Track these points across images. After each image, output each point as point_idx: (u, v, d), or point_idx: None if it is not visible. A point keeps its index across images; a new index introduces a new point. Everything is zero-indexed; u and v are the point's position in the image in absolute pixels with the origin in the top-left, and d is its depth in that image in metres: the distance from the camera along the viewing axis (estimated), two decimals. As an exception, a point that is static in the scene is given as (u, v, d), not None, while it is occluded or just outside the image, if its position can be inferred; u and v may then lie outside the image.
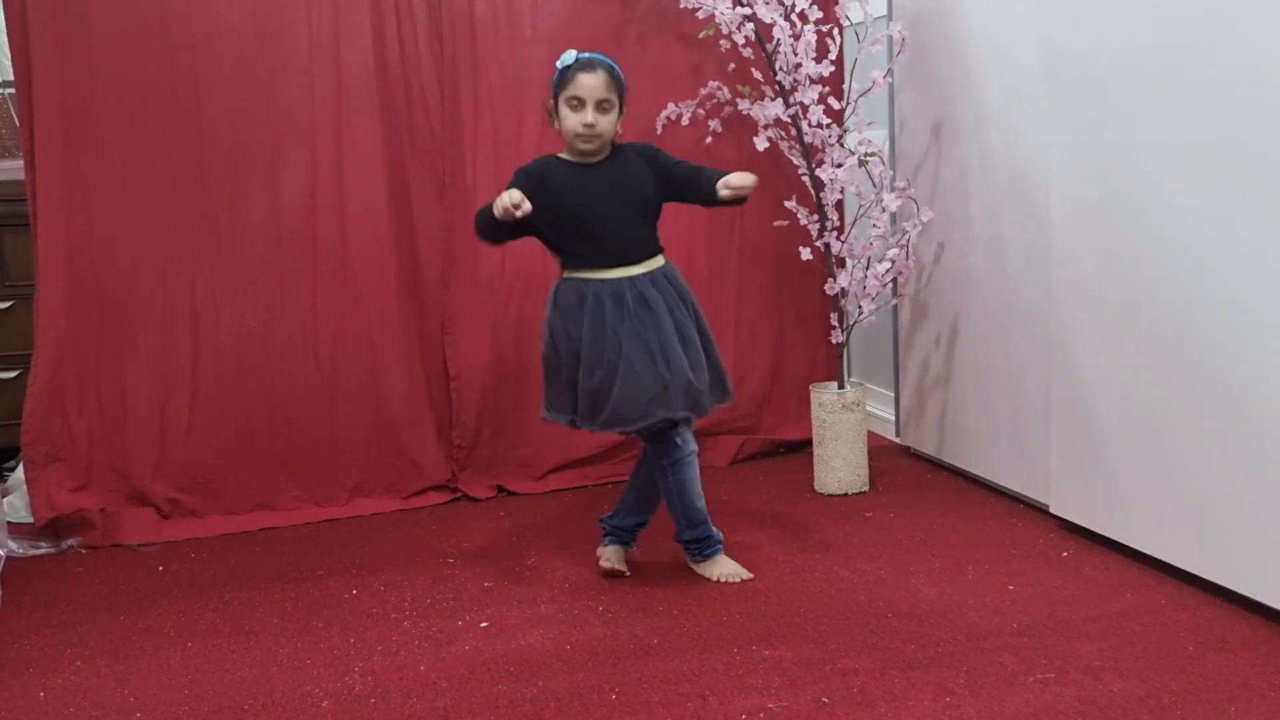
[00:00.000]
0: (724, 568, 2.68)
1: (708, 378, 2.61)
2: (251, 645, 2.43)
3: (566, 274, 2.62)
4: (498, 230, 2.55)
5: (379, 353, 3.33)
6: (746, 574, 2.67)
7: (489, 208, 2.51)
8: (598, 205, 2.57)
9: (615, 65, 2.59)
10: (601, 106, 2.53)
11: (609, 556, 2.73)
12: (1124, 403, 2.62)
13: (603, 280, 2.56)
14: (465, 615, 2.54)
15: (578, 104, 2.52)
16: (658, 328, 2.55)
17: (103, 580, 2.88)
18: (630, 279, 2.57)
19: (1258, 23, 2.17)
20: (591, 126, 2.52)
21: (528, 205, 2.45)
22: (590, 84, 2.51)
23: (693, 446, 2.65)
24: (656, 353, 2.53)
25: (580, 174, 2.59)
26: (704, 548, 2.70)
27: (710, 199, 2.61)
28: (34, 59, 3.03)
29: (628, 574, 2.72)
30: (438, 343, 3.40)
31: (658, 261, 2.64)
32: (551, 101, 2.59)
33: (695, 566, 2.72)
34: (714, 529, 2.72)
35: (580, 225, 2.57)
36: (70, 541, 3.11)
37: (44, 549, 3.10)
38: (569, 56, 2.56)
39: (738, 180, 2.55)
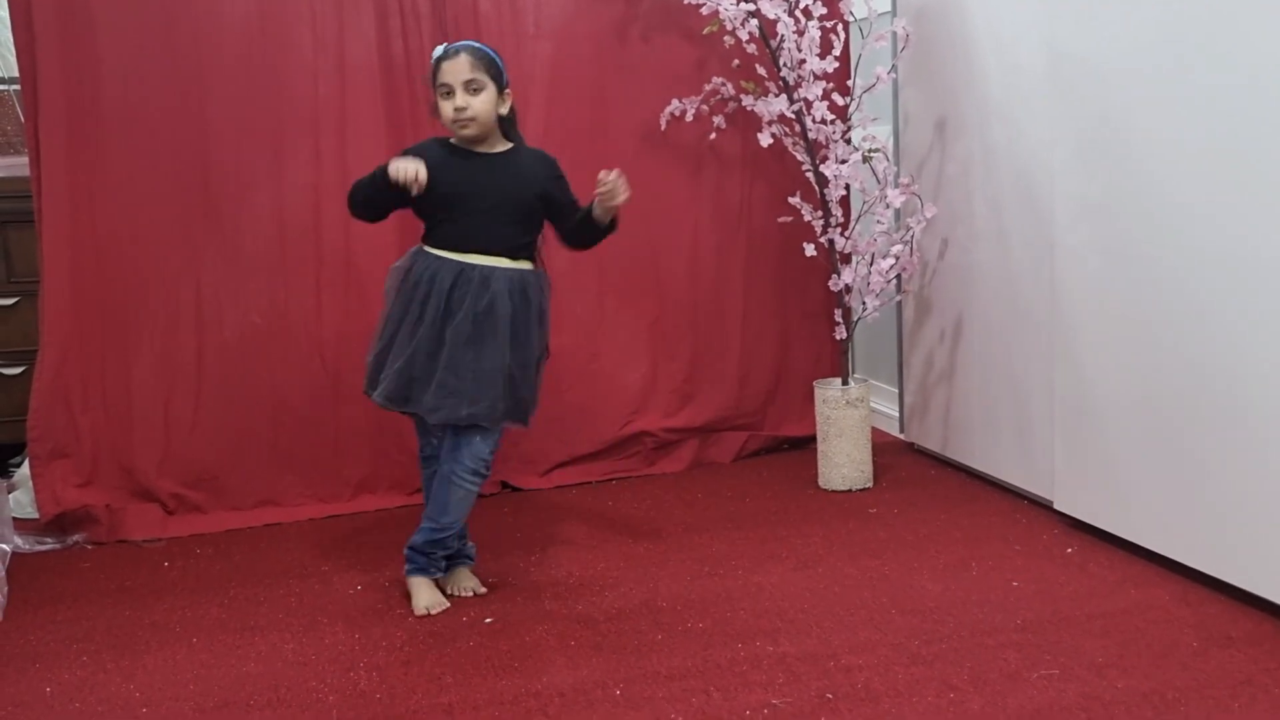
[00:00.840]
0: (444, 592, 2.61)
1: (483, 390, 2.50)
2: (257, 641, 2.44)
3: (425, 246, 2.58)
4: (378, 203, 2.56)
5: (383, 349, 3.33)
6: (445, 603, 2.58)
7: (374, 175, 2.51)
8: (474, 191, 2.53)
9: (483, 47, 2.54)
10: (469, 87, 2.49)
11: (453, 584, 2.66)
12: (1128, 399, 2.62)
13: (439, 257, 2.53)
14: (470, 611, 2.54)
15: (447, 91, 2.51)
16: (466, 323, 2.48)
17: (108, 576, 2.88)
18: (480, 267, 2.51)
19: (1261, 19, 2.17)
20: (463, 109, 2.49)
21: (424, 178, 2.45)
22: (453, 69, 2.49)
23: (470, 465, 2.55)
24: (422, 341, 2.49)
25: (463, 157, 2.56)
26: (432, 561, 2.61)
27: (585, 216, 2.57)
28: (39, 55, 3.04)
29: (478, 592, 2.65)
30: (442, 339, 3.39)
31: (510, 262, 2.54)
32: (432, 100, 2.57)
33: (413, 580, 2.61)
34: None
35: (450, 210, 2.53)
36: (76, 537, 3.12)
37: (50, 545, 3.10)
38: (438, 50, 2.55)
39: (605, 183, 2.49)
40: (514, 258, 2.55)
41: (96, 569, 2.94)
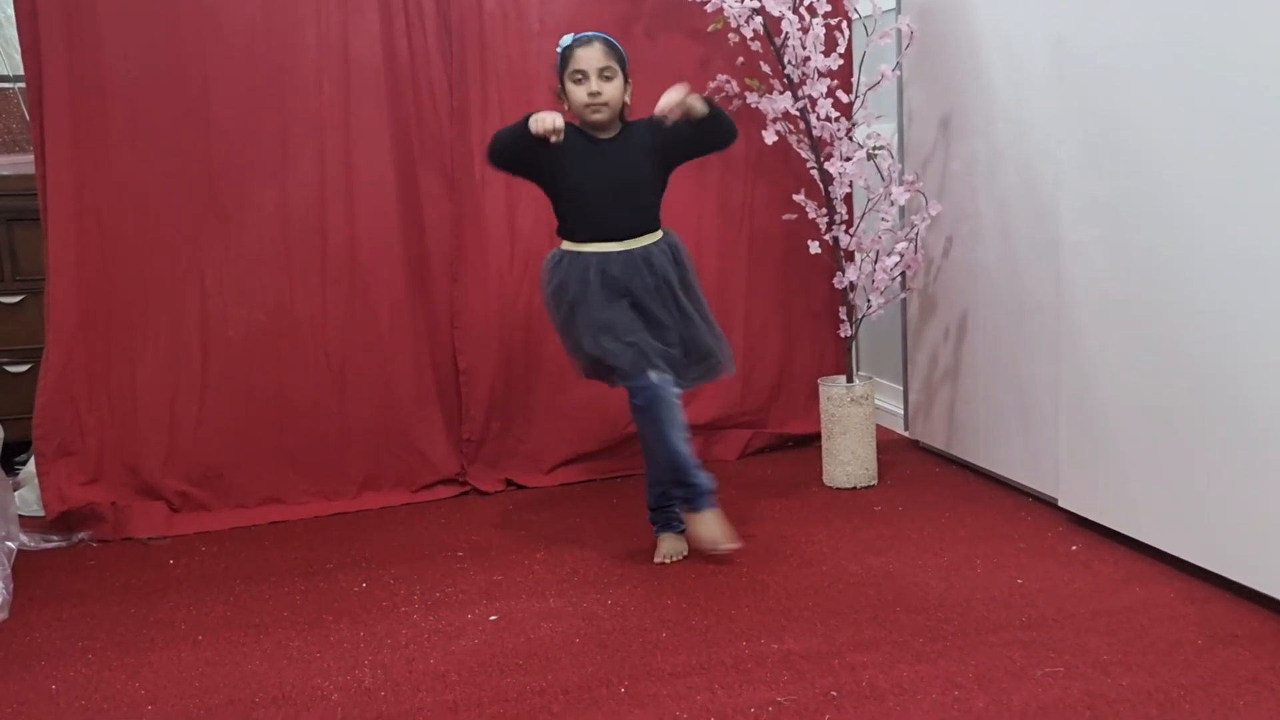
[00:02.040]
0: (711, 529, 2.71)
1: (680, 352, 2.71)
2: (261, 638, 2.44)
3: (565, 245, 2.73)
4: (517, 151, 2.65)
5: (388, 347, 3.34)
6: (734, 542, 2.72)
7: (518, 124, 2.60)
8: (591, 178, 2.66)
9: (612, 38, 2.68)
10: (604, 74, 2.63)
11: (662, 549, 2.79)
12: (1133, 396, 2.61)
13: (594, 254, 2.67)
14: (474, 608, 2.54)
15: (581, 77, 2.63)
16: (627, 298, 2.66)
17: (114, 573, 2.89)
18: (624, 252, 2.67)
19: (1268, 17, 2.17)
20: (597, 94, 2.62)
21: (562, 129, 2.57)
22: (589, 56, 2.62)
23: (650, 389, 2.64)
24: (617, 320, 2.64)
25: (589, 143, 2.69)
26: (690, 496, 2.70)
27: (681, 132, 2.69)
28: (44, 54, 3.04)
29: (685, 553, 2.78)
30: (447, 337, 3.40)
31: (654, 236, 2.73)
32: (559, 85, 2.69)
33: (686, 520, 2.75)
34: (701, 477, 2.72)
35: (585, 198, 2.68)
36: (81, 535, 3.13)
37: (55, 542, 3.11)
38: (566, 38, 2.67)
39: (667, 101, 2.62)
40: (656, 230, 2.73)
41: (102, 567, 2.94)
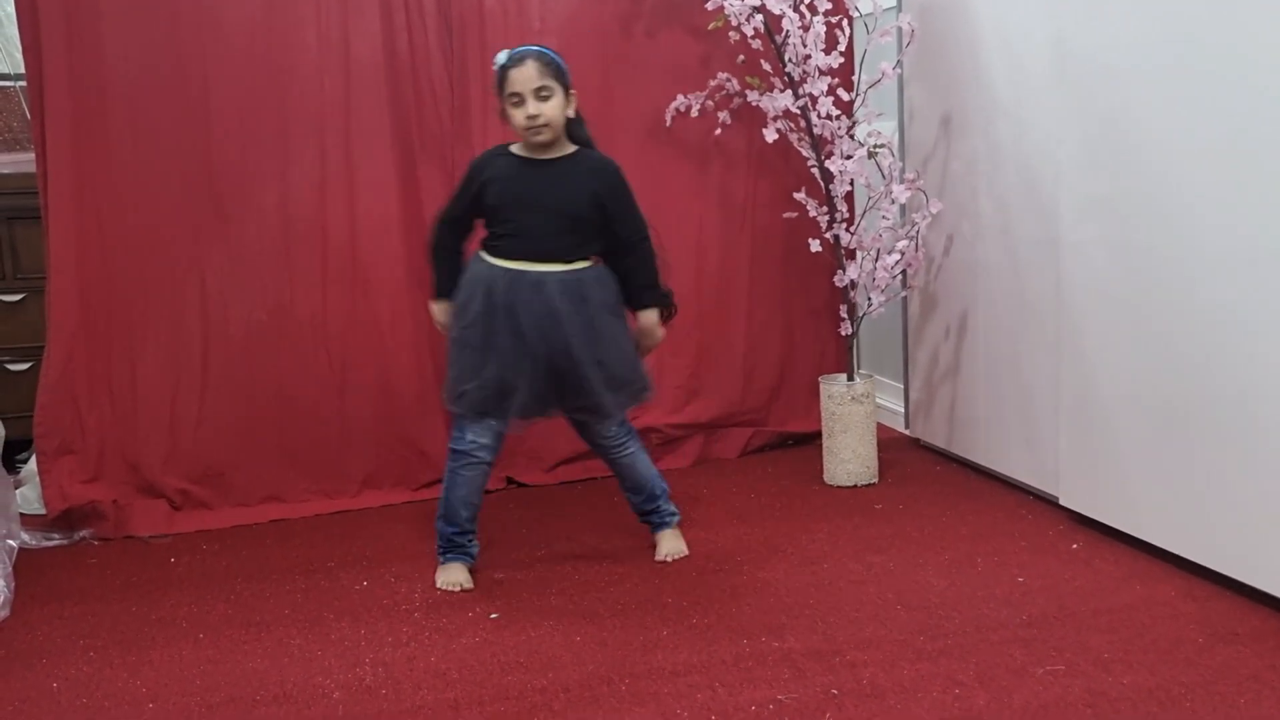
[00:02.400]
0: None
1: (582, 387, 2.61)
2: (263, 636, 2.44)
3: (482, 254, 2.65)
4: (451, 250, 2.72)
5: (389, 345, 3.34)
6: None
7: (434, 274, 2.72)
8: (519, 203, 2.59)
9: (547, 51, 2.58)
10: (540, 94, 2.53)
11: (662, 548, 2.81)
12: (1133, 394, 2.61)
13: (498, 268, 2.59)
14: (475, 607, 2.55)
15: (517, 100, 2.54)
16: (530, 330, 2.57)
17: (115, 572, 2.89)
18: (538, 274, 2.57)
19: (1268, 15, 2.17)
20: (535, 117, 2.54)
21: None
22: (522, 77, 2.53)
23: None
24: (504, 352, 2.56)
25: (523, 165, 2.62)
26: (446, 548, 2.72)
27: (630, 286, 2.69)
28: (44, 52, 3.04)
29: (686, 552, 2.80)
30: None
31: (565, 265, 2.60)
32: (501, 107, 2.61)
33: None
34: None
35: (505, 218, 2.60)
36: (82, 533, 3.13)
37: (56, 540, 3.11)
38: (500, 56, 2.59)
39: (647, 342, 2.73)
40: (568, 261, 2.60)
41: (103, 565, 2.94)
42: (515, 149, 2.64)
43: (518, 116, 2.55)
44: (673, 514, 2.83)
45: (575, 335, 2.56)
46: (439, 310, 2.72)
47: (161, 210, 3.16)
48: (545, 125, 2.55)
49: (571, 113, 2.61)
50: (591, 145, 2.69)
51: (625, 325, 2.69)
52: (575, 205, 2.59)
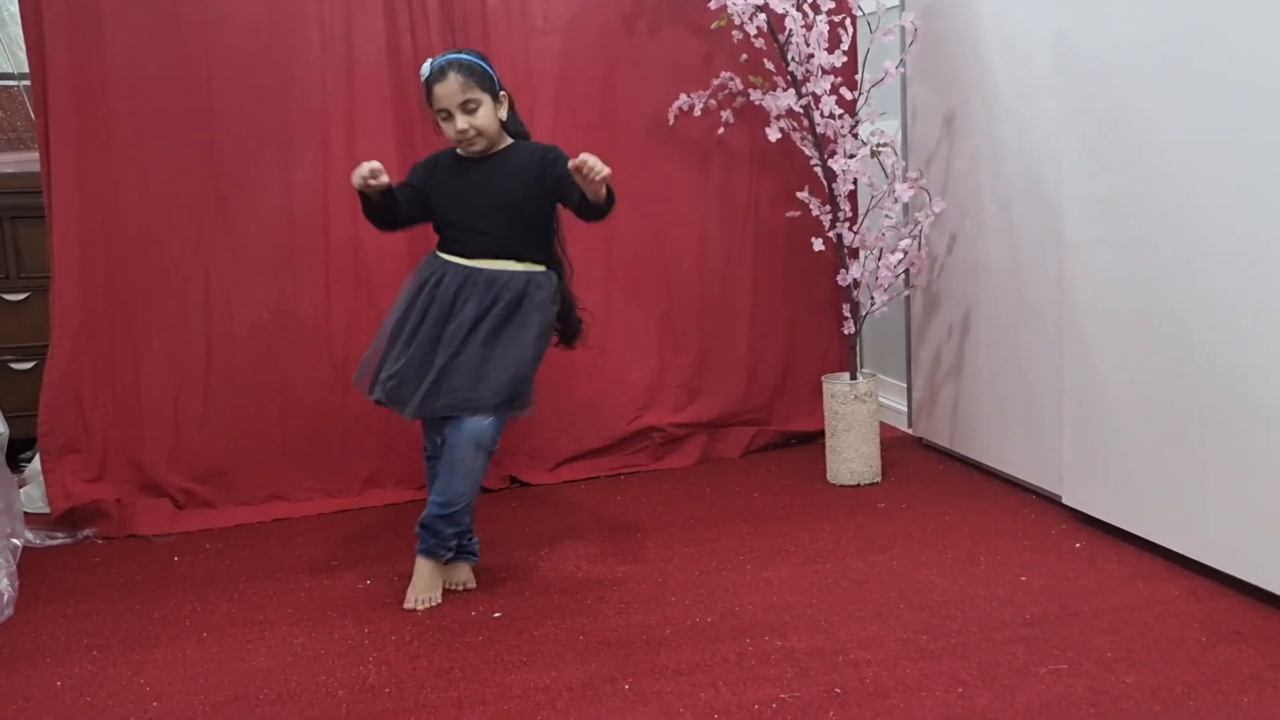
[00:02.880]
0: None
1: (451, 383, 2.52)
2: (266, 635, 2.45)
3: (436, 251, 2.65)
4: (372, 212, 2.60)
5: (392, 344, 3.34)
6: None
7: (361, 200, 2.58)
8: (458, 198, 2.58)
9: (469, 58, 2.54)
10: (466, 107, 2.51)
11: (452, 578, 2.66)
12: (1137, 393, 2.61)
13: (447, 262, 2.59)
14: (478, 605, 2.55)
15: (445, 115, 2.54)
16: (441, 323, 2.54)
17: (118, 570, 2.89)
18: (471, 270, 2.56)
19: (1271, 13, 2.16)
20: (464, 131, 2.53)
21: (384, 178, 2.49)
22: (445, 92, 2.51)
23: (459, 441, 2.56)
24: (421, 345, 2.54)
25: (461, 165, 2.62)
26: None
27: (581, 197, 2.50)
28: (48, 51, 3.04)
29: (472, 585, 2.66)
30: (450, 334, 3.40)
31: (518, 264, 2.57)
32: (432, 119, 2.60)
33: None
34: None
35: (450, 215, 2.60)
36: (86, 532, 3.13)
37: (60, 539, 3.12)
38: (424, 69, 2.56)
39: (579, 168, 2.42)
40: (520, 259, 2.58)
41: (106, 564, 2.95)
42: (459, 150, 2.64)
43: (448, 131, 2.55)
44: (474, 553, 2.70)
45: (485, 328, 2.51)
46: (356, 179, 2.50)
47: (165, 209, 3.16)
48: (478, 135, 2.54)
49: (503, 115, 2.59)
50: (528, 137, 2.69)
51: (542, 342, 2.60)
52: (516, 191, 2.57)
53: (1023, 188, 3.01)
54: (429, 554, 2.58)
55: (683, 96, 3.40)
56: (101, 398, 3.17)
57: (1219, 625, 2.25)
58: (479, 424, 2.52)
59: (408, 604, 2.55)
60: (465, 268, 2.56)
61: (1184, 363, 2.45)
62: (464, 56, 2.54)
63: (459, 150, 2.61)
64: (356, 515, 3.25)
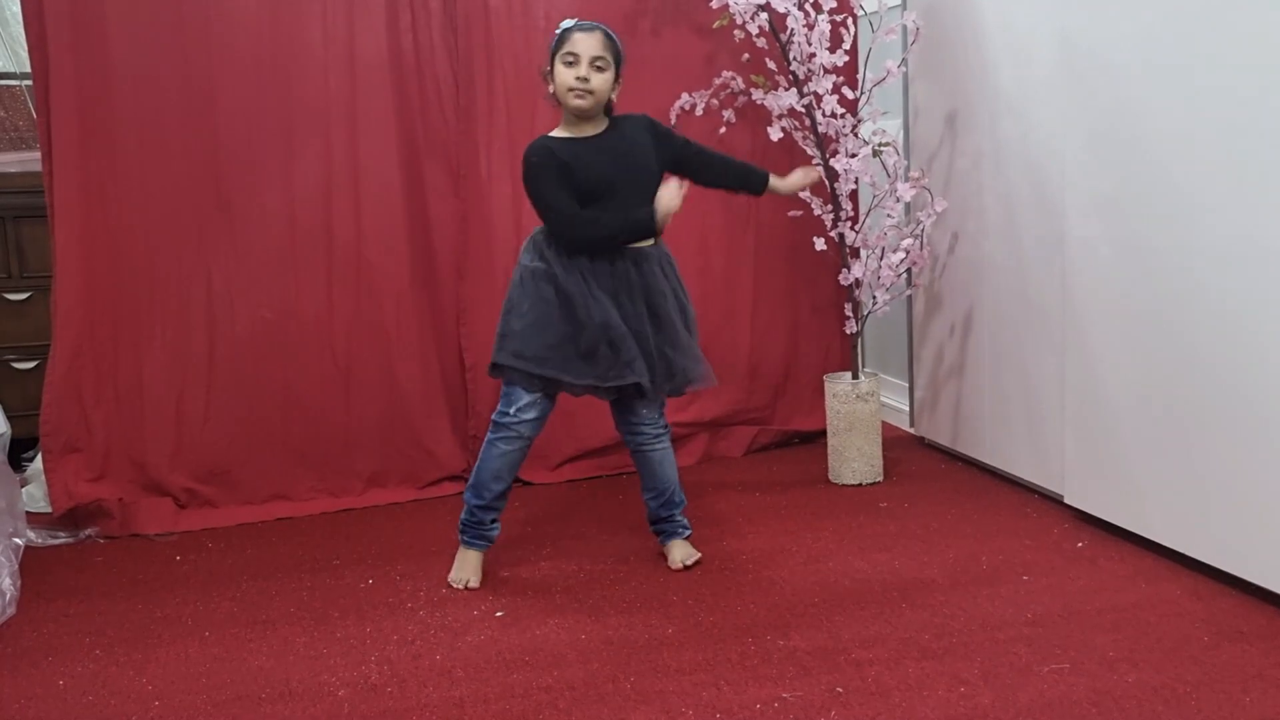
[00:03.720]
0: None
1: (670, 362, 2.64)
2: (268, 634, 2.45)
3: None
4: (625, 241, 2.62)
5: (394, 344, 3.34)
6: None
7: (628, 223, 2.56)
8: (607, 178, 2.57)
9: (614, 35, 2.60)
10: (596, 64, 2.53)
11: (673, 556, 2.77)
12: (1139, 393, 2.61)
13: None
14: (480, 605, 2.55)
15: (573, 59, 2.53)
16: (629, 303, 2.60)
17: (120, 570, 2.90)
18: (637, 251, 2.62)
19: (1274, 13, 2.16)
20: (585, 80, 2.52)
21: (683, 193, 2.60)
22: (586, 41, 2.53)
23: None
24: (597, 316, 2.56)
25: (581, 147, 2.58)
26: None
27: (756, 190, 2.79)
28: (50, 51, 3.04)
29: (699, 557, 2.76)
30: (453, 334, 3.40)
31: (650, 240, 2.65)
32: (547, 66, 2.59)
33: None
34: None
35: (594, 199, 2.58)
36: (88, 531, 3.13)
37: (62, 539, 3.12)
38: (569, 21, 2.60)
39: (800, 181, 2.76)
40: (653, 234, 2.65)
41: (109, 563, 2.95)
42: (558, 134, 2.61)
43: (566, 75, 2.53)
44: (686, 526, 2.80)
45: (673, 309, 2.64)
46: (664, 212, 2.57)
47: (167, 209, 3.16)
48: (590, 93, 2.54)
49: (615, 97, 2.62)
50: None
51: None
52: (649, 164, 2.63)
53: (1025, 187, 3.01)
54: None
55: (685, 96, 3.40)
56: (104, 397, 3.17)
57: (1221, 625, 2.24)
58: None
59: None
60: (632, 250, 2.61)
61: (1186, 362, 2.45)
62: (610, 30, 2.61)
63: (565, 100, 2.55)
64: (359, 514, 3.25)
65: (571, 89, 2.53)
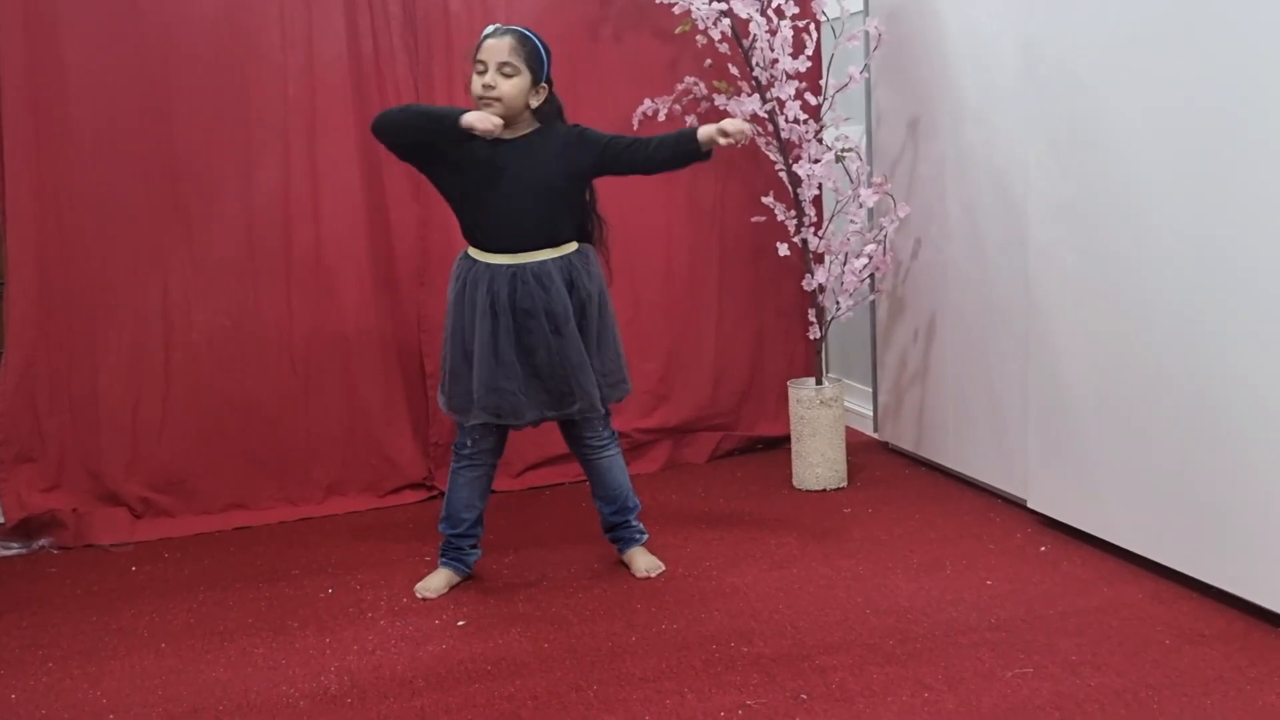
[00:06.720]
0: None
1: (574, 379, 2.58)
2: (226, 646, 2.41)
3: (469, 251, 2.63)
4: (428, 139, 2.55)
5: (354, 351, 3.31)
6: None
7: (441, 113, 2.54)
8: (501, 184, 2.55)
9: (532, 35, 2.56)
10: (503, 70, 2.51)
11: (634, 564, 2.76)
12: (1101, 397, 2.62)
13: (488, 265, 2.57)
14: (442, 614, 2.52)
15: (481, 68, 2.52)
16: (519, 328, 2.55)
17: (75, 581, 2.85)
18: (516, 267, 2.55)
19: (1235, 21, 2.18)
20: (491, 88, 2.50)
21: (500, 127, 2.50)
22: (493, 48, 2.52)
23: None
24: (505, 353, 2.54)
25: (497, 146, 2.55)
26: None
27: (693, 149, 2.54)
28: (3, 53, 3.00)
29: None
30: (414, 340, 3.38)
31: (555, 251, 2.59)
32: (470, 73, 2.58)
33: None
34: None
35: (479, 203, 2.57)
36: (42, 542, 3.09)
37: (15, 550, 3.07)
38: (489, 27, 2.58)
39: (734, 127, 2.49)
40: (557, 244, 2.59)
41: (63, 574, 2.90)
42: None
43: (475, 83, 2.53)
44: (642, 531, 2.79)
45: (573, 336, 2.56)
46: (476, 118, 2.48)
47: (123, 215, 3.13)
48: (497, 99, 2.51)
49: (534, 102, 2.56)
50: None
51: (613, 315, 2.69)
52: (550, 177, 2.57)
53: (988, 192, 3.02)
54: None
55: (647, 101, 3.39)
56: (58, 406, 3.13)
57: (1183, 628, 2.26)
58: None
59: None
60: (510, 266, 2.54)
61: (1148, 366, 2.47)
62: (529, 33, 2.57)
63: (476, 107, 2.53)
64: (319, 523, 3.22)
65: (479, 97, 2.53)
